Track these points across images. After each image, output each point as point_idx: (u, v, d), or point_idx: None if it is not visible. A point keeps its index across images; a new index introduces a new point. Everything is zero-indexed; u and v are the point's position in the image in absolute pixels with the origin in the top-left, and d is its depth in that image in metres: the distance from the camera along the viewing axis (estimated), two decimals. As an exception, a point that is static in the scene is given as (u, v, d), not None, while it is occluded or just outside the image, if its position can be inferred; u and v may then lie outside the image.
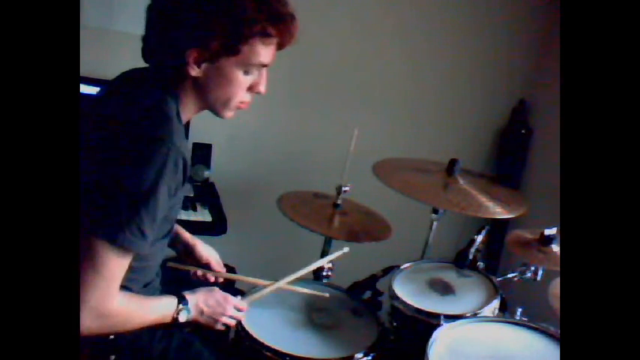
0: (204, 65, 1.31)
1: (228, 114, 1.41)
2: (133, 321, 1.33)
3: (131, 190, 1.21)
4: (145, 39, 1.35)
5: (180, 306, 1.40)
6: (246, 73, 1.34)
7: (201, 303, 1.44)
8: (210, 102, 1.37)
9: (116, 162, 1.22)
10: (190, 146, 2.44)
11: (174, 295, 1.42)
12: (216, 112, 1.40)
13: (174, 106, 1.32)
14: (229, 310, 1.49)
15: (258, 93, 1.40)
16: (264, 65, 1.36)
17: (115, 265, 1.24)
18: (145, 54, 1.37)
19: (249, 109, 1.42)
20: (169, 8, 1.30)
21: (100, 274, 1.21)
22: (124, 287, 1.41)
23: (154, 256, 1.44)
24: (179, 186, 1.29)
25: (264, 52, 1.32)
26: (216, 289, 1.50)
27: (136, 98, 1.32)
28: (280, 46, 1.35)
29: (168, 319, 1.39)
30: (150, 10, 1.33)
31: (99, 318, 1.23)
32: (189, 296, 1.43)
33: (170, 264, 1.69)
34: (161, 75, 1.35)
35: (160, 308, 1.39)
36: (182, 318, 1.40)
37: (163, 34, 1.31)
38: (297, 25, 1.34)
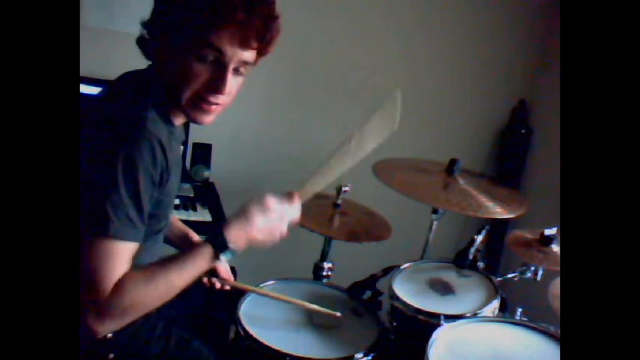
0: (164, 45, 1.30)
1: (200, 116, 1.33)
2: (153, 299, 1.25)
3: (105, 182, 1.19)
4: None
5: (220, 253, 1.31)
6: (198, 59, 1.27)
7: (254, 232, 1.38)
8: (169, 90, 1.31)
9: (95, 155, 1.20)
10: (190, 146, 2.45)
11: (208, 239, 1.33)
12: (182, 110, 1.33)
13: (157, 100, 1.30)
14: (283, 222, 1.47)
15: (218, 92, 1.30)
16: (219, 50, 1.26)
17: (110, 257, 1.20)
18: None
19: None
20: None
21: (98, 271, 1.18)
22: None
23: (147, 252, 1.43)
24: (164, 173, 1.27)
25: (217, 35, 1.24)
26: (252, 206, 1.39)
27: (122, 94, 1.33)
28: (244, 41, 1.26)
29: (205, 270, 1.32)
30: None
31: (109, 315, 1.20)
32: (229, 234, 1.33)
33: None
34: (152, 74, 1.36)
35: (188, 267, 1.29)
36: (224, 260, 1.33)
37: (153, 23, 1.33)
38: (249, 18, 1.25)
